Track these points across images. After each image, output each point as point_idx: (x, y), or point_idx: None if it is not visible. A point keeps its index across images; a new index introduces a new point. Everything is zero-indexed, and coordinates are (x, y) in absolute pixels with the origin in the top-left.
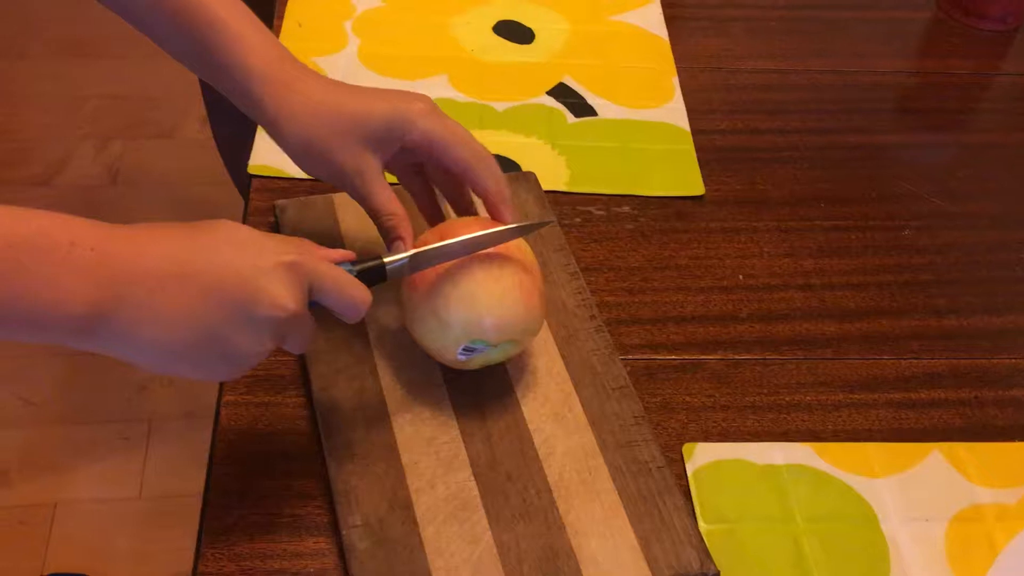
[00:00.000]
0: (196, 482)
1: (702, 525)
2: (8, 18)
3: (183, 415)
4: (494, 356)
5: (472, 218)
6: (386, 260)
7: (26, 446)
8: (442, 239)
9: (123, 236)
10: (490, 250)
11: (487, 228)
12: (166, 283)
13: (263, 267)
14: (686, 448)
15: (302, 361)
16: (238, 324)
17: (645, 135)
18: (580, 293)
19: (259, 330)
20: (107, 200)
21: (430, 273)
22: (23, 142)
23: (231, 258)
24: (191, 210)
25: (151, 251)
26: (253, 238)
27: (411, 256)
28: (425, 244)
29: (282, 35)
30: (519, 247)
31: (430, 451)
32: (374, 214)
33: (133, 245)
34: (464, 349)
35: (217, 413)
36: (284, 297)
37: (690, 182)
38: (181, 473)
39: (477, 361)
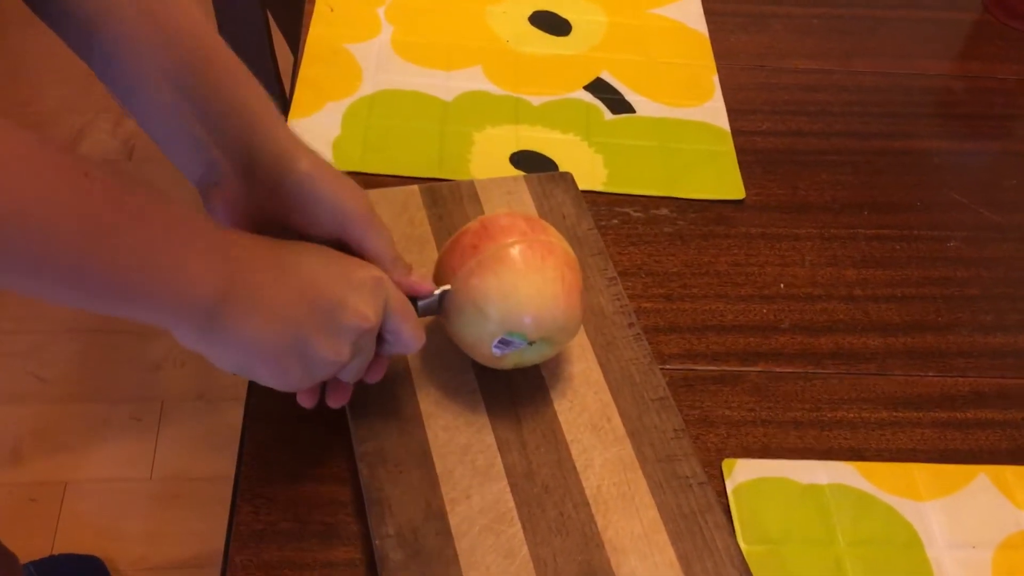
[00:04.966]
0: (207, 464)
1: (743, 545)
2: None
3: (196, 396)
4: (528, 356)
5: (517, 213)
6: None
7: (38, 423)
8: (484, 230)
9: (228, 230)
10: (533, 243)
11: (530, 221)
12: (272, 278)
13: (352, 279)
14: (726, 464)
15: None
16: (323, 329)
17: (684, 135)
18: (618, 299)
19: (340, 338)
20: None
21: (470, 262)
22: (41, 115)
23: (324, 267)
24: None
25: (258, 247)
26: (339, 255)
27: (441, 294)
28: (468, 232)
29: (313, 20)
30: (561, 241)
31: (465, 460)
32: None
33: (244, 239)
34: (500, 342)
35: (246, 417)
36: (369, 309)
37: (730, 185)
38: (193, 455)
39: (511, 359)
